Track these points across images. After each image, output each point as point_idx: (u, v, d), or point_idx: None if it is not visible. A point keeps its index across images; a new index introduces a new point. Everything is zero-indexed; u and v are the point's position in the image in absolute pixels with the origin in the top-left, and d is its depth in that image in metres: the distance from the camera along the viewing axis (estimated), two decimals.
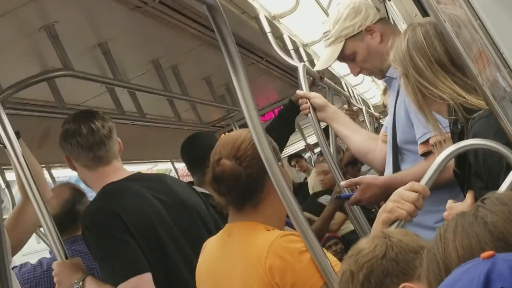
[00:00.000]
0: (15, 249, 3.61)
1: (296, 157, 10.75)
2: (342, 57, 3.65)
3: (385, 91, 7.04)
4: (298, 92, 3.87)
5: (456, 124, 2.40)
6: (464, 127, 2.35)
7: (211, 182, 2.45)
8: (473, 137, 2.20)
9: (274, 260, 2.26)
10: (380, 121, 8.38)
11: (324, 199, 7.17)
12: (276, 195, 2.32)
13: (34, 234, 4.75)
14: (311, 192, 8.14)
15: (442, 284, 1.31)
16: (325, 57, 3.74)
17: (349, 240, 7.19)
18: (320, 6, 5.23)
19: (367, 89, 9.58)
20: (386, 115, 6.94)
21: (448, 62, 2.32)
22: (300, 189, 8.72)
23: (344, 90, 7.30)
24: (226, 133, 3.99)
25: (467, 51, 1.95)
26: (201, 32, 4.76)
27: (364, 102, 8.90)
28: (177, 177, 7.20)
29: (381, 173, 3.68)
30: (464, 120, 2.32)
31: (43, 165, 5.02)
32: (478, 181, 2.26)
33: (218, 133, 7.82)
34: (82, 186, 3.93)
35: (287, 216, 2.39)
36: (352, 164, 7.65)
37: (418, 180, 2.25)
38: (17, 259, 4.06)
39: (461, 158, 2.37)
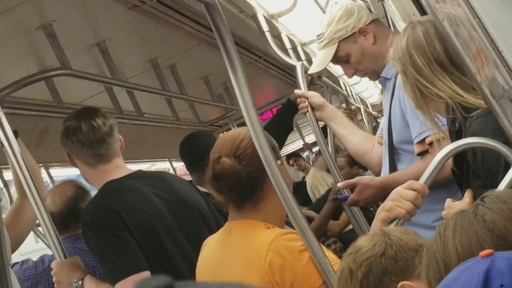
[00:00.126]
0: (14, 247, 3.61)
1: (294, 156, 10.75)
2: (336, 59, 3.65)
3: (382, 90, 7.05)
4: (296, 91, 3.87)
5: (453, 122, 2.40)
6: (462, 125, 2.35)
7: (211, 180, 2.45)
8: (472, 135, 2.20)
9: (274, 258, 2.26)
10: (378, 120, 8.38)
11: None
12: (276, 193, 2.32)
13: (33, 233, 4.76)
14: (309, 191, 8.15)
15: (441, 283, 1.31)
16: (319, 59, 3.74)
17: (348, 239, 7.18)
18: (318, 5, 5.23)
19: (365, 88, 9.58)
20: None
21: (447, 61, 2.32)
22: (298, 188, 8.72)
23: (342, 89, 7.30)
24: (224, 132, 3.97)
25: (465, 50, 1.95)
26: (199, 31, 4.76)
27: (362, 101, 8.90)
28: None
29: (378, 174, 3.68)
30: (462, 119, 2.32)
31: (41, 165, 5.02)
32: (477, 179, 2.27)
33: (216, 132, 7.82)
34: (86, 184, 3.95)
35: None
36: (350, 164, 7.65)
37: (415, 180, 2.25)
38: (15, 259, 4.06)
39: (459, 157, 2.37)
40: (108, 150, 3.26)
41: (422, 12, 2.96)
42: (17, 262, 3.79)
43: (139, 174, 3.38)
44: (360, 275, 1.86)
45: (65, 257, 3.17)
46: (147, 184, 3.30)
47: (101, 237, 3.07)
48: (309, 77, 4.42)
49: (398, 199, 2.20)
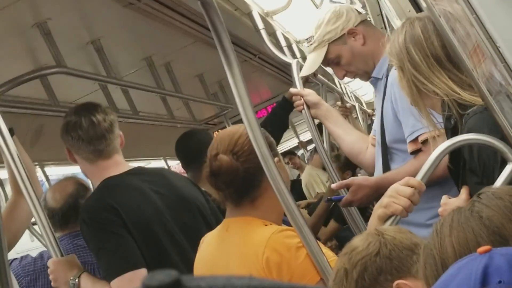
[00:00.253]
0: (10, 245, 3.60)
1: (289, 154, 10.76)
2: (326, 62, 3.65)
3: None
4: (292, 89, 3.88)
5: (449, 119, 2.39)
6: (457, 122, 2.34)
7: (208, 177, 2.45)
8: (468, 132, 2.20)
9: (271, 255, 2.26)
10: (373, 117, 8.38)
11: None
12: (273, 190, 2.32)
13: (28, 232, 4.75)
14: (304, 189, 8.15)
15: (439, 280, 1.31)
16: (309, 62, 3.73)
17: (344, 236, 7.20)
18: (313, 2, 5.23)
19: (360, 86, 9.58)
20: None
21: (444, 57, 2.32)
22: (293, 186, 8.71)
23: (337, 86, 7.30)
24: (220, 130, 3.95)
25: (462, 46, 1.95)
26: (194, 29, 4.76)
27: (357, 99, 8.92)
28: None
29: (372, 174, 3.68)
30: (458, 116, 2.32)
31: (36, 163, 5.02)
32: (473, 176, 2.26)
33: (211, 130, 7.82)
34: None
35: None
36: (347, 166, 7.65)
37: None
38: (11, 258, 4.04)
39: (455, 153, 2.37)
40: (108, 147, 3.25)
41: (418, 9, 2.97)
42: (16, 258, 3.78)
43: (138, 170, 3.38)
44: (355, 275, 1.86)
45: (62, 255, 3.17)
46: (146, 181, 3.29)
47: (98, 234, 3.07)
48: None
49: (395, 196, 2.20)
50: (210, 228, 2.67)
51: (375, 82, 3.59)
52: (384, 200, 2.24)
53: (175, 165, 7.98)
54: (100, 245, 3.07)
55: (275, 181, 2.26)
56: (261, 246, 2.29)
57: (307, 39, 3.73)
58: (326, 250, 2.34)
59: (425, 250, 1.54)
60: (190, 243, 3.07)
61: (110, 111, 3.35)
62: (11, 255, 3.70)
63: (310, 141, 11.78)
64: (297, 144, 12.00)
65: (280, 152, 2.82)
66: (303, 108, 3.77)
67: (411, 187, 2.20)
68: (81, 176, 3.98)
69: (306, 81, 4.17)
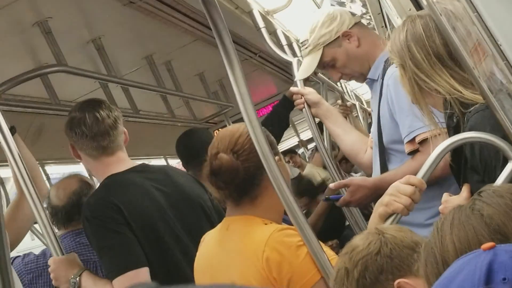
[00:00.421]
0: (13, 244, 3.60)
1: (290, 153, 10.73)
2: (322, 65, 3.65)
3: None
4: (292, 88, 3.88)
5: (451, 117, 2.39)
6: (459, 121, 2.34)
7: (208, 176, 2.45)
8: (470, 130, 2.20)
9: (271, 254, 2.26)
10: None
11: None
12: (274, 189, 2.32)
13: (29, 231, 4.75)
14: None
15: (442, 276, 1.31)
16: (305, 66, 3.73)
17: (345, 235, 7.20)
18: (314, 1, 5.23)
19: (360, 84, 9.54)
20: None
21: (446, 55, 2.31)
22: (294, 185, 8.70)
23: (337, 85, 7.30)
24: (220, 129, 3.93)
25: (463, 45, 1.95)
26: (194, 28, 4.76)
27: (357, 98, 8.90)
28: None
29: (370, 175, 3.68)
30: (460, 114, 2.32)
31: (37, 162, 5.02)
32: (475, 174, 2.26)
33: (211, 129, 7.82)
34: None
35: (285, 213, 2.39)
36: (346, 159, 7.65)
37: None
38: (13, 256, 4.04)
39: (456, 151, 2.37)
40: (111, 143, 3.25)
41: (418, 7, 2.96)
42: (19, 256, 3.78)
43: (141, 168, 3.36)
44: (356, 274, 1.86)
45: (63, 254, 3.17)
46: (149, 178, 3.29)
47: (100, 232, 3.06)
48: None
49: (396, 194, 2.20)
50: (213, 226, 2.67)
51: (371, 83, 3.59)
52: (385, 198, 2.23)
53: (176, 164, 7.98)
54: (102, 243, 3.07)
55: (276, 179, 2.26)
56: (261, 245, 2.28)
57: (302, 42, 3.73)
58: (326, 249, 2.33)
59: (426, 248, 1.54)
60: (193, 241, 3.06)
61: (114, 108, 3.34)
62: (12, 254, 3.71)
63: (310, 140, 11.77)
64: (297, 142, 12.00)
65: (281, 151, 2.82)
66: (304, 107, 3.77)
67: (412, 185, 2.20)
68: (82, 174, 3.98)
69: (307, 80, 4.17)
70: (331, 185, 3.53)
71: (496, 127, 2.02)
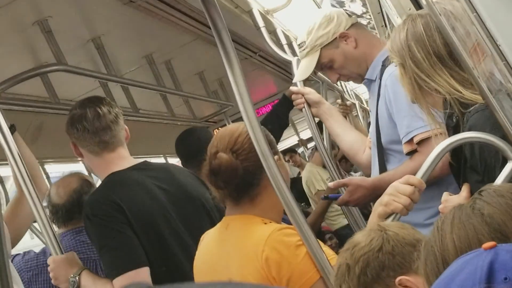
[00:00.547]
0: (14, 241, 3.61)
1: (290, 152, 10.73)
2: (319, 66, 3.65)
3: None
4: (292, 88, 3.88)
5: (451, 117, 2.39)
6: (459, 120, 2.34)
7: (208, 175, 2.44)
8: (469, 130, 2.20)
9: (271, 254, 2.26)
10: None
11: None
12: (273, 188, 2.32)
13: (28, 229, 4.75)
14: (304, 186, 8.15)
15: (443, 274, 1.31)
16: (302, 68, 3.72)
17: (343, 234, 7.21)
18: (313, 0, 5.23)
19: (360, 84, 9.52)
20: None
21: (446, 55, 2.30)
22: (294, 184, 8.71)
23: (337, 84, 7.30)
24: (219, 128, 3.94)
25: (462, 45, 1.95)
26: (194, 27, 4.76)
27: (357, 97, 8.89)
28: None
29: (369, 175, 3.68)
30: (460, 114, 2.31)
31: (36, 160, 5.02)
32: (474, 174, 2.26)
33: (211, 128, 7.82)
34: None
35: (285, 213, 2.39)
36: (345, 159, 7.66)
37: None
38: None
39: (456, 151, 2.37)
40: (113, 138, 3.24)
41: (418, 7, 2.96)
42: (19, 253, 3.78)
43: (143, 165, 3.36)
44: (357, 270, 1.86)
45: (62, 253, 3.17)
46: (151, 177, 3.28)
47: (101, 231, 3.06)
48: None
49: (395, 194, 2.20)
50: (214, 224, 2.66)
51: (368, 84, 3.59)
52: (384, 198, 2.23)
53: (175, 163, 7.97)
54: (103, 242, 3.06)
55: (275, 179, 2.26)
56: (260, 244, 2.28)
57: (299, 44, 3.73)
58: (326, 249, 2.33)
59: (426, 247, 1.54)
60: (194, 239, 3.05)
61: (115, 105, 3.34)
62: (12, 252, 3.71)
63: (310, 139, 11.77)
64: (297, 142, 11.99)
65: (280, 150, 2.82)
66: (304, 107, 3.77)
67: (411, 185, 2.20)
68: (83, 173, 3.99)
69: (307, 79, 4.17)
70: (330, 184, 3.54)
71: (496, 127, 2.02)
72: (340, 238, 7.10)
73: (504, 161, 2.08)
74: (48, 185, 4.12)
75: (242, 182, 2.42)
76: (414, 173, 2.28)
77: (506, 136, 2.02)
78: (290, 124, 7.54)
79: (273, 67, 7.53)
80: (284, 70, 7.69)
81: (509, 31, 1.67)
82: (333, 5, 4.14)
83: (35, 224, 4.55)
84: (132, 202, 3.11)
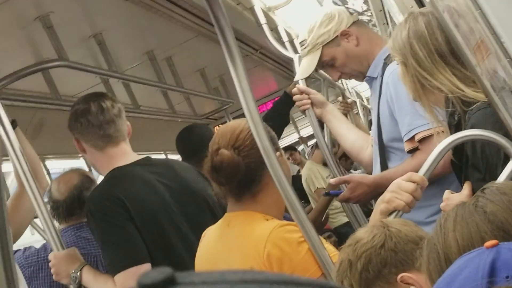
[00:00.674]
0: (15, 237, 3.61)
1: (290, 149, 10.72)
2: (321, 64, 3.64)
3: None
4: (299, 86, 3.86)
5: (453, 115, 2.39)
6: (461, 119, 2.34)
7: (209, 172, 2.44)
8: (471, 128, 2.19)
9: (272, 250, 2.26)
10: None
11: None
12: (274, 185, 2.32)
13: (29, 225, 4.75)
14: (304, 184, 8.14)
15: (446, 273, 1.31)
16: (304, 66, 3.72)
17: (343, 233, 7.21)
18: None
19: (360, 82, 9.52)
20: None
21: (448, 53, 2.30)
22: (293, 182, 8.67)
23: (338, 82, 7.30)
24: (220, 125, 3.93)
25: (465, 42, 1.95)
26: (195, 24, 4.76)
27: (358, 95, 8.89)
28: None
29: (371, 173, 3.68)
30: (461, 112, 2.31)
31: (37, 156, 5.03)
32: (476, 172, 2.26)
33: (212, 125, 7.82)
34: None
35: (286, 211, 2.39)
36: (345, 157, 7.65)
37: None
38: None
39: (458, 149, 2.37)
40: (117, 132, 3.24)
41: (420, 4, 2.96)
42: (19, 249, 3.78)
43: (146, 161, 3.35)
44: (359, 266, 1.86)
45: (63, 249, 3.17)
46: (153, 172, 3.28)
47: (103, 226, 3.06)
48: None
49: (398, 191, 2.19)
50: (217, 220, 2.66)
51: (370, 81, 3.59)
52: (386, 195, 2.23)
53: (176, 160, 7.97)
54: (105, 238, 3.06)
55: (277, 175, 2.26)
56: (262, 241, 2.28)
57: (300, 42, 3.73)
58: (327, 245, 2.33)
59: (428, 245, 1.54)
60: (196, 235, 3.04)
61: (117, 99, 3.35)
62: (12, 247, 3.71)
63: (310, 137, 11.77)
64: (297, 139, 11.99)
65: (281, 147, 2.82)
66: (309, 108, 3.77)
67: (414, 182, 2.20)
68: (84, 169, 3.98)
69: (308, 77, 4.18)
70: (331, 181, 3.55)
71: (498, 125, 2.02)
72: (339, 236, 7.10)
73: (506, 159, 2.08)
74: (49, 181, 4.13)
75: (244, 179, 2.42)
76: (416, 171, 2.28)
77: (508, 134, 2.02)
78: (290, 122, 7.55)
79: (273, 65, 7.53)
80: (285, 67, 7.68)
81: None
82: (335, 3, 4.13)
83: (36, 220, 4.55)
84: (135, 197, 3.10)
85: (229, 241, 2.46)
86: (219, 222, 2.60)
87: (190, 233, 3.19)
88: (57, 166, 6.17)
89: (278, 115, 4.87)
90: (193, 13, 4.55)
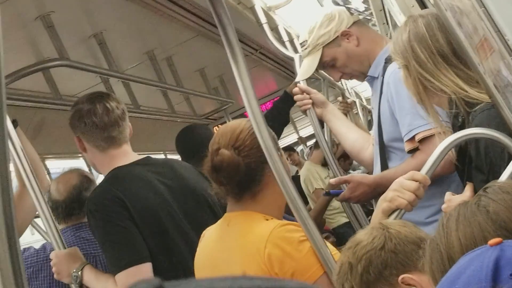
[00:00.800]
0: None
1: (288, 150, 10.72)
2: (321, 65, 3.64)
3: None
4: (300, 85, 3.86)
5: (456, 117, 2.38)
6: (465, 120, 2.34)
7: (209, 172, 2.44)
8: None
9: (273, 250, 2.25)
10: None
11: None
12: (274, 185, 2.32)
13: (29, 225, 4.74)
14: (303, 185, 8.15)
15: (450, 271, 1.31)
16: (305, 67, 3.72)
17: (341, 233, 7.22)
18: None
19: (360, 82, 9.52)
20: None
21: (450, 54, 2.30)
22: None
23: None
24: (220, 125, 3.92)
25: (469, 41, 1.95)
26: (196, 24, 4.76)
27: (357, 95, 8.90)
28: None
29: (372, 172, 3.68)
30: (465, 113, 2.31)
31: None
32: (479, 174, 2.25)
33: (211, 125, 7.82)
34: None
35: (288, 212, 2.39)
36: (344, 157, 7.66)
37: None
38: None
39: (461, 151, 2.37)
40: (120, 134, 3.24)
41: (422, 3, 2.96)
42: None
43: (146, 161, 3.35)
44: (360, 269, 1.86)
45: (65, 248, 3.17)
46: (154, 172, 3.28)
47: (104, 226, 3.06)
48: None
49: (400, 190, 2.19)
50: (217, 219, 2.66)
51: (371, 81, 3.59)
52: (389, 194, 2.23)
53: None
54: (105, 237, 3.06)
55: (280, 174, 2.26)
56: (262, 241, 2.28)
57: (301, 43, 3.73)
58: (328, 245, 2.33)
59: (431, 245, 1.54)
60: (197, 234, 3.04)
61: (120, 100, 3.34)
62: None
63: (309, 137, 11.77)
64: (296, 139, 11.99)
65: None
66: (310, 107, 3.77)
67: (416, 181, 2.20)
68: (84, 169, 3.98)
69: (308, 77, 4.18)
70: (332, 180, 3.54)
71: (502, 126, 2.02)
72: (338, 236, 7.11)
73: (510, 159, 2.07)
74: (50, 181, 4.12)
75: (244, 179, 2.41)
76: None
77: None
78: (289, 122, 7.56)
79: (273, 64, 7.53)
80: (285, 67, 7.69)
81: None
82: (336, 3, 4.13)
83: (37, 220, 4.54)
84: (135, 197, 3.10)
85: (229, 240, 2.46)
86: (219, 222, 2.60)
87: (191, 232, 3.18)
88: (57, 166, 6.17)
89: (278, 115, 4.87)
90: (193, 12, 4.55)
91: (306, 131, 12.01)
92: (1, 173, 1.07)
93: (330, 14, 3.59)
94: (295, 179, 8.98)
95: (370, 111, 8.54)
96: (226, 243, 2.47)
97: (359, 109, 7.78)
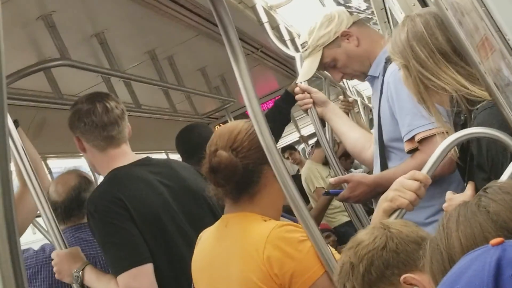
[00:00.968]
0: None
1: (289, 149, 10.71)
2: (322, 66, 3.64)
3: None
4: (300, 85, 3.86)
5: (458, 115, 2.38)
6: (467, 118, 2.33)
7: (207, 173, 2.43)
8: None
9: (272, 251, 2.25)
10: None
11: None
12: (272, 186, 2.33)
13: (31, 224, 4.74)
14: (304, 184, 8.15)
15: (451, 272, 1.30)
16: (305, 68, 3.72)
17: (342, 232, 7.22)
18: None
19: (362, 82, 9.51)
20: None
21: (450, 51, 2.29)
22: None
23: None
24: (221, 124, 3.93)
25: (469, 40, 1.95)
26: (197, 23, 4.76)
27: (359, 94, 8.90)
28: None
29: (373, 171, 3.68)
30: (467, 112, 2.30)
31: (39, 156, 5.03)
32: (481, 172, 2.24)
33: (212, 124, 7.82)
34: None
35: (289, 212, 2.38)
36: (345, 156, 7.66)
37: None
38: None
39: (463, 150, 2.37)
40: (119, 134, 3.24)
41: (423, 2, 2.95)
42: None
43: (145, 161, 3.36)
44: (361, 269, 1.85)
45: (66, 248, 3.17)
46: (153, 172, 3.28)
47: (104, 227, 3.06)
48: None
49: (401, 189, 2.19)
50: (217, 220, 2.66)
51: (371, 80, 3.59)
52: (390, 193, 2.22)
53: (176, 159, 7.96)
54: (106, 239, 3.06)
55: (281, 173, 2.26)
56: (261, 242, 2.27)
57: (301, 44, 3.73)
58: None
59: (431, 245, 1.53)
60: (197, 235, 3.06)
61: (119, 100, 3.35)
62: None
63: (311, 136, 11.77)
64: (298, 138, 11.98)
65: (280, 147, 2.82)
66: (310, 107, 3.77)
67: (417, 180, 2.19)
68: (84, 169, 3.98)
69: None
70: (331, 180, 3.54)
71: (504, 125, 2.01)
72: (339, 235, 7.11)
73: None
74: (51, 180, 4.12)
75: (242, 180, 2.41)
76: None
77: None
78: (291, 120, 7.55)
79: (274, 63, 7.53)
80: (286, 66, 7.69)
81: None
82: (338, 1, 4.13)
83: (38, 220, 4.55)
84: (135, 198, 3.10)
85: (227, 242, 2.45)
86: (217, 223, 2.59)
87: (191, 232, 3.18)
88: (58, 165, 6.17)
89: (280, 114, 4.87)
90: (194, 12, 4.55)
91: (307, 130, 12.00)
92: (2, 172, 1.07)
93: (329, 15, 3.58)
94: (296, 178, 8.98)
95: (371, 110, 8.55)
96: (224, 244, 2.46)
97: (360, 108, 7.78)
